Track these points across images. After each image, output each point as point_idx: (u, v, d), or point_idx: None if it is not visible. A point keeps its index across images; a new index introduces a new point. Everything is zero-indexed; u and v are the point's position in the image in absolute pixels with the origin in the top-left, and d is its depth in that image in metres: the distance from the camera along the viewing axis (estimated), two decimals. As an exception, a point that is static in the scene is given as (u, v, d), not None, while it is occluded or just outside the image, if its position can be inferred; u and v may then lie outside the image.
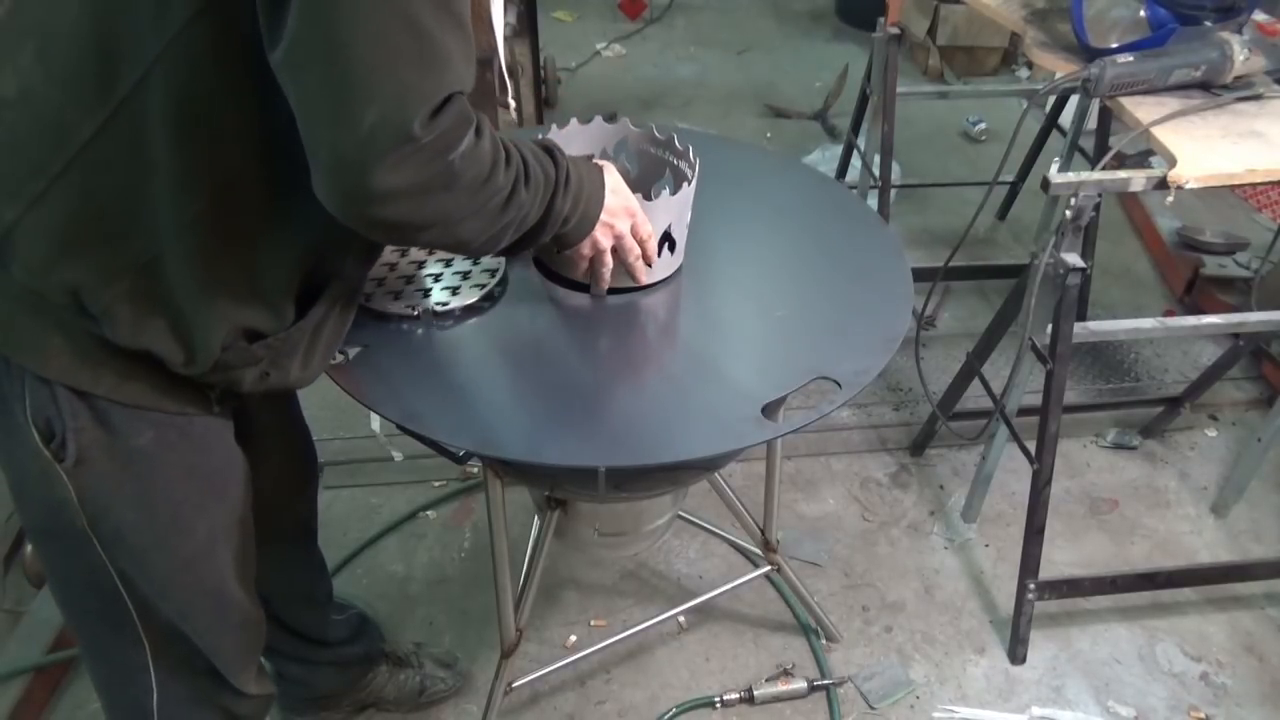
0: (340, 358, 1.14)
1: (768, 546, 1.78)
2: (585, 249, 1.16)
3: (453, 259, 1.29)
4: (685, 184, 1.24)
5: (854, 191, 2.57)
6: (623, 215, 1.16)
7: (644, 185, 1.39)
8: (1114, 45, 1.68)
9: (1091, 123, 2.44)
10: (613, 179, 1.16)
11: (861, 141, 2.60)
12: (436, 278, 1.26)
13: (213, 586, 1.12)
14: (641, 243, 1.19)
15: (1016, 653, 1.86)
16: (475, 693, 1.78)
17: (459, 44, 0.83)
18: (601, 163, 1.17)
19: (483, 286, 1.24)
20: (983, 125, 3.66)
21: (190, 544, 1.07)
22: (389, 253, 1.30)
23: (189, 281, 0.91)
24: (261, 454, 1.28)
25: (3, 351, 0.92)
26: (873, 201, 2.50)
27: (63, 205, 0.87)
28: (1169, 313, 2.70)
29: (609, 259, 1.19)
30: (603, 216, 1.13)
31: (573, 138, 1.34)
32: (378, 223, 0.87)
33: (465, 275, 1.26)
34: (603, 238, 1.15)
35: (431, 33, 0.80)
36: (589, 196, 1.11)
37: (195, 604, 1.11)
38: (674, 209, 1.23)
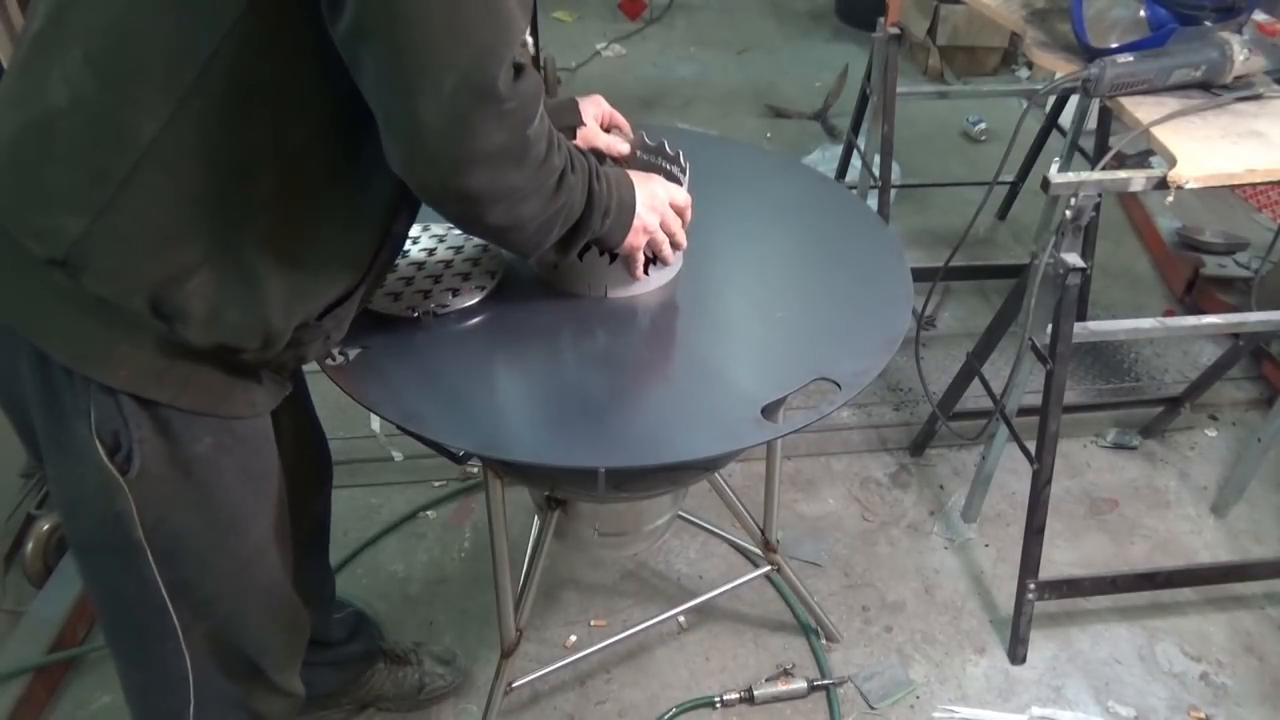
0: (340, 358, 1.14)
1: (768, 546, 1.78)
2: (624, 249, 1.18)
3: (452, 260, 1.29)
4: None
5: (854, 191, 2.57)
6: (651, 211, 1.17)
7: None
8: (1114, 45, 1.68)
9: (1091, 123, 2.44)
10: (636, 174, 1.18)
11: (861, 141, 2.60)
12: (437, 279, 1.26)
13: (266, 586, 1.13)
14: (671, 234, 1.21)
15: (1016, 653, 1.86)
16: (475, 693, 1.78)
17: (517, 2, 0.84)
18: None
19: (483, 288, 1.24)
20: (983, 125, 3.66)
21: (246, 546, 1.08)
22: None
23: (263, 265, 0.91)
24: (282, 455, 1.28)
25: (72, 365, 0.90)
26: (873, 201, 2.50)
27: (132, 210, 0.86)
28: (1169, 313, 2.70)
29: (640, 257, 1.21)
30: (639, 212, 1.15)
31: None
32: (458, 193, 0.88)
33: (465, 277, 1.26)
34: (638, 236, 1.17)
35: None
36: (621, 190, 1.12)
37: (250, 605, 1.12)
38: None
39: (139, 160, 0.84)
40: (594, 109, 1.34)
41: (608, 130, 1.38)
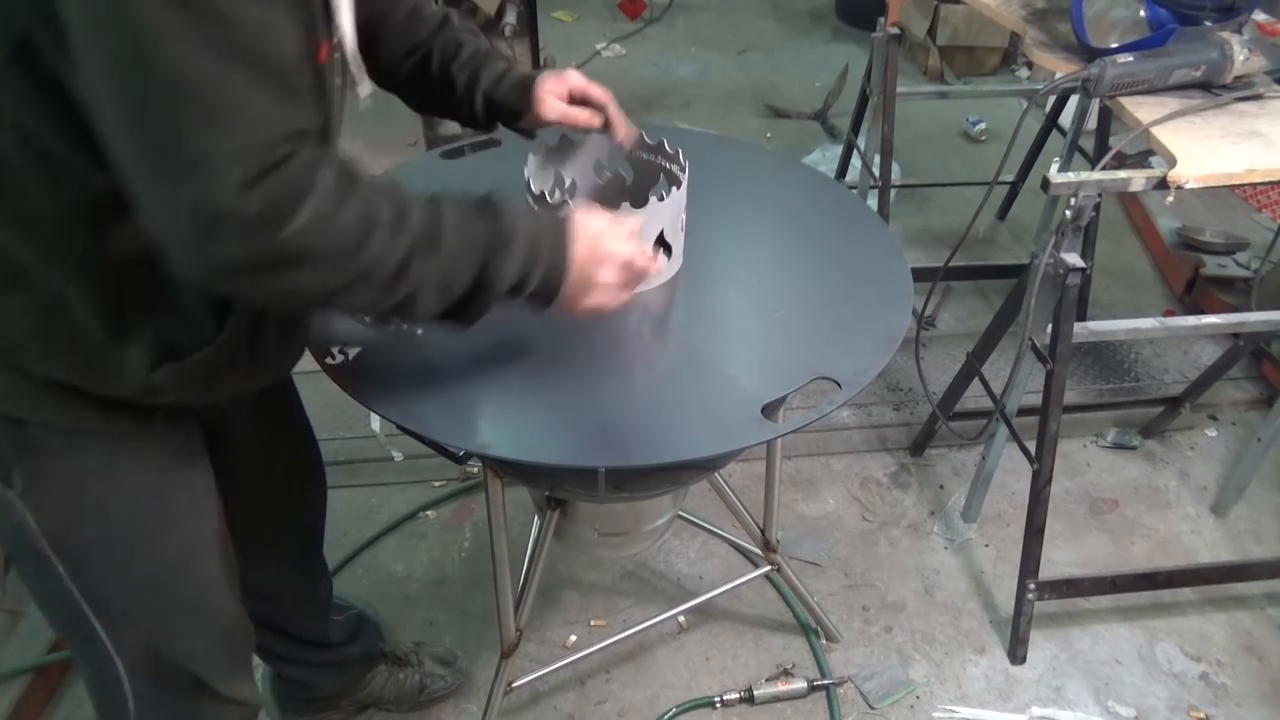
0: (340, 358, 1.14)
1: (768, 546, 1.78)
2: (577, 314, 1.03)
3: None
4: (675, 188, 1.24)
5: (854, 191, 2.57)
6: (596, 264, 1.00)
7: (640, 191, 1.40)
8: (1114, 45, 1.68)
9: (1091, 123, 2.44)
10: (583, 222, 1.00)
11: (861, 141, 2.60)
12: (436, 278, 1.25)
13: (189, 597, 1.12)
14: (636, 275, 1.05)
15: (1016, 653, 1.86)
16: (475, 693, 1.78)
17: (259, 86, 0.73)
18: (574, 209, 1.02)
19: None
20: (983, 125, 3.66)
21: (160, 557, 1.06)
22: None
23: (94, 317, 0.87)
24: (258, 458, 1.27)
25: None
26: (873, 201, 2.50)
27: None
28: (1169, 313, 2.70)
29: (609, 307, 1.05)
30: (572, 274, 0.98)
31: (565, 151, 1.35)
32: (234, 296, 0.85)
33: (465, 275, 1.26)
34: (586, 297, 1.01)
35: (207, 85, 0.70)
36: (547, 250, 0.96)
37: (170, 615, 1.11)
38: (665, 214, 1.23)
39: None
40: (554, 85, 1.22)
41: (581, 103, 1.24)
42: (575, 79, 1.24)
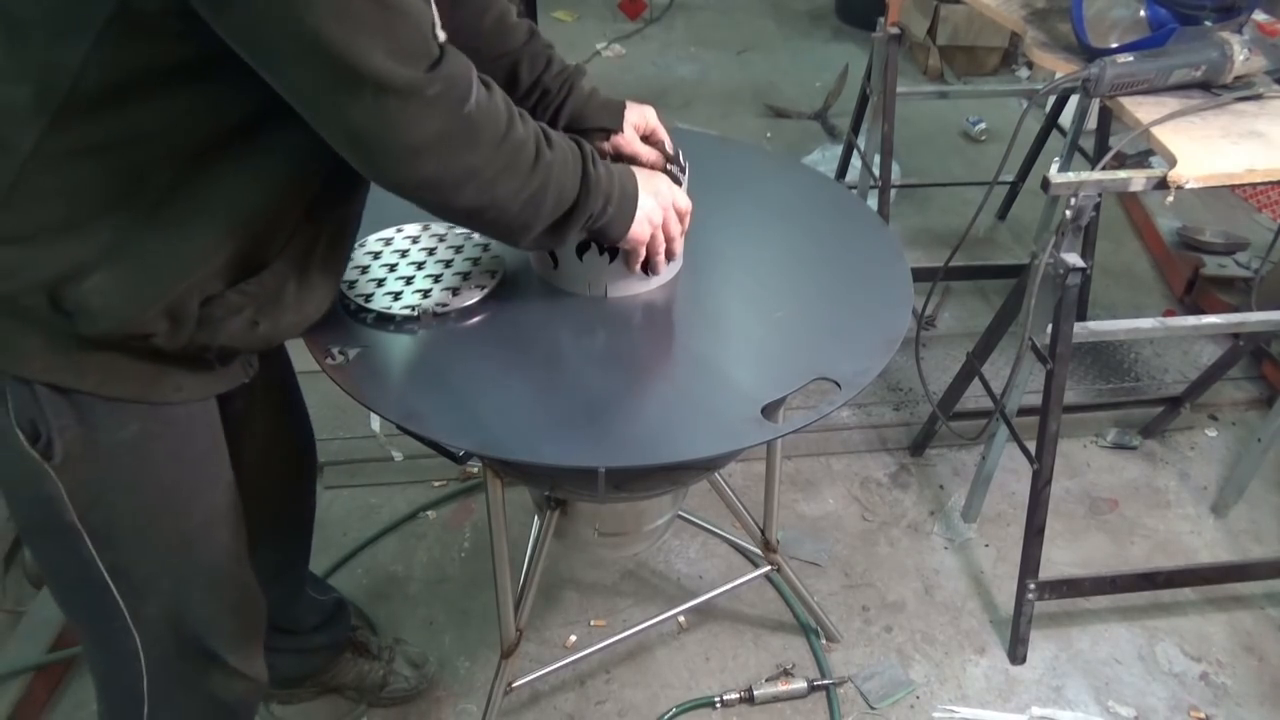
0: (340, 358, 1.14)
1: (768, 546, 1.78)
2: (628, 243, 1.15)
3: (452, 260, 1.29)
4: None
5: (854, 191, 2.57)
6: (656, 206, 1.15)
7: None
8: (1114, 45, 1.68)
9: (1091, 123, 2.44)
10: (640, 170, 1.16)
11: (861, 141, 2.60)
12: (436, 279, 1.26)
13: (209, 566, 1.14)
14: (671, 238, 1.19)
15: (1016, 653, 1.86)
16: (475, 693, 1.78)
17: None
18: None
19: (483, 288, 1.24)
20: (983, 125, 3.66)
21: (186, 526, 1.09)
22: (389, 254, 1.30)
23: (157, 249, 0.90)
24: (259, 443, 1.28)
25: None
26: (873, 201, 2.50)
27: (23, 211, 0.86)
28: (1169, 313, 2.70)
29: (643, 251, 1.18)
30: (643, 203, 1.13)
31: None
32: (416, 184, 0.90)
33: (465, 276, 1.26)
34: (642, 228, 1.14)
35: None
36: (624, 180, 1.11)
37: (194, 584, 1.13)
38: None
39: (22, 165, 0.85)
40: (636, 116, 1.31)
41: (646, 140, 1.34)
42: (651, 116, 1.32)
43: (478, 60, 1.18)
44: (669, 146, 1.32)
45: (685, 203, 1.21)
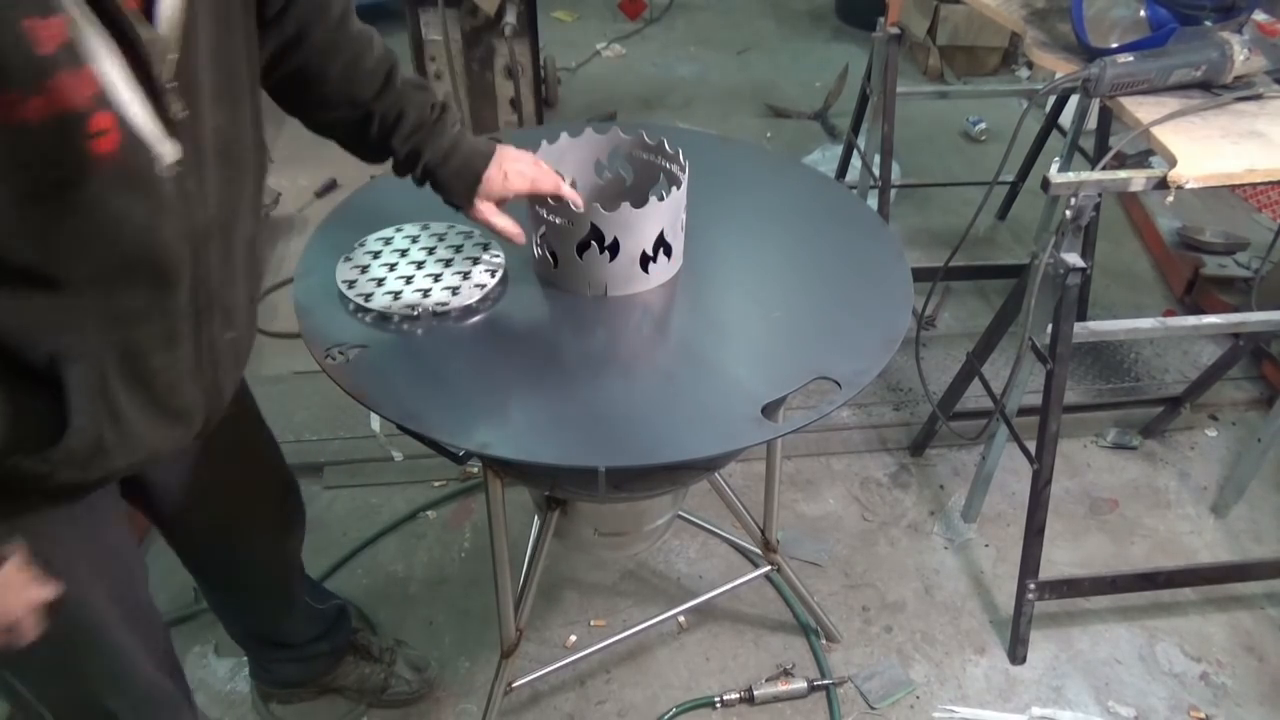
0: (340, 358, 1.14)
1: (768, 546, 1.78)
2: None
3: (452, 260, 1.29)
4: (675, 188, 1.24)
5: (854, 191, 2.57)
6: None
7: (640, 191, 1.40)
8: (1114, 45, 1.68)
9: (1091, 123, 2.44)
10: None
11: (861, 141, 2.60)
12: (436, 278, 1.26)
13: (104, 666, 1.16)
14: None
15: (1016, 653, 1.86)
16: (475, 693, 1.78)
17: None
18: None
19: (482, 287, 1.24)
20: (983, 125, 3.66)
21: (66, 636, 1.06)
22: (389, 253, 1.30)
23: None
24: (193, 495, 1.25)
25: None
26: (873, 201, 2.50)
27: None
28: (1169, 313, 2.70)
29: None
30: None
31: (564, 150, 1.35)
32: None
33: (465, 275, 1.26)
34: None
35: None
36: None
37: (88, 681, 1.16)
38: (665, 214, 1.23)
39: None
40: (499, 188, 1.20)
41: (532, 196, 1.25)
42: (518, 182, 1.20)
43: (324, 107, 1.14)
44: (565, 191, 1.21)
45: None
